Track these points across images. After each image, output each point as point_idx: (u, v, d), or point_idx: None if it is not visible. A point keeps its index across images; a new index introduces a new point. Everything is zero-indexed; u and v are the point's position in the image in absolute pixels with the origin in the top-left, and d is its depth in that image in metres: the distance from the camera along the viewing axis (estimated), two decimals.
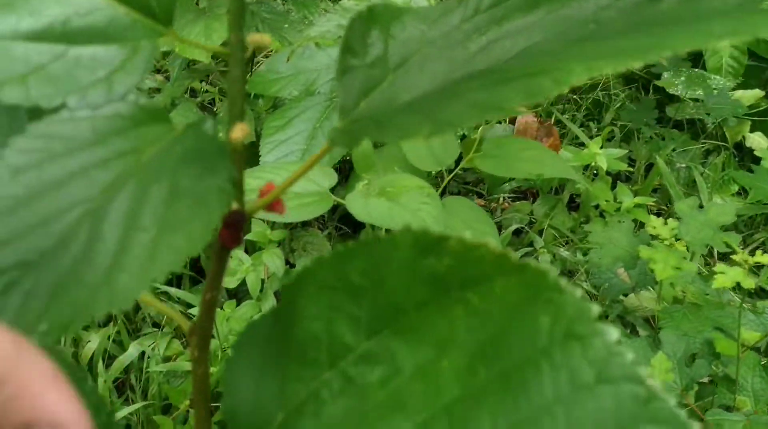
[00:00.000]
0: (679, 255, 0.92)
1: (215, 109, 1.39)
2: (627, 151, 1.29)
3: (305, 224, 1.31)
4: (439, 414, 0.22)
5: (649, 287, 1.08)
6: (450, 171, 0.99)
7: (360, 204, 0.78)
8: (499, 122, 1.27)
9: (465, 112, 0.22)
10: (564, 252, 1.23)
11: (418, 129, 0.22)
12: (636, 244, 0.98)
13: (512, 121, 1.21)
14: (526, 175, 0.82)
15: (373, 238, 0.27)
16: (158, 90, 1.33)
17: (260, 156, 0.96)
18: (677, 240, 0.95)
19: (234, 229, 0.33)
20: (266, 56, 1.41)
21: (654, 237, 0.98)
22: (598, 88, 1.81)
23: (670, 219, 0.99)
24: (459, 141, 0.95)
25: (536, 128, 1.17)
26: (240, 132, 0.32)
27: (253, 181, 0.86)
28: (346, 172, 1.22)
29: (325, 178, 0.87)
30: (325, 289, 0.28)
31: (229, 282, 1.13)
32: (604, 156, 1.26)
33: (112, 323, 1.10)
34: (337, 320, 0.28)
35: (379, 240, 0.26)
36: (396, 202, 0.77)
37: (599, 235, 0.96)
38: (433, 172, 0.94)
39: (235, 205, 0.33)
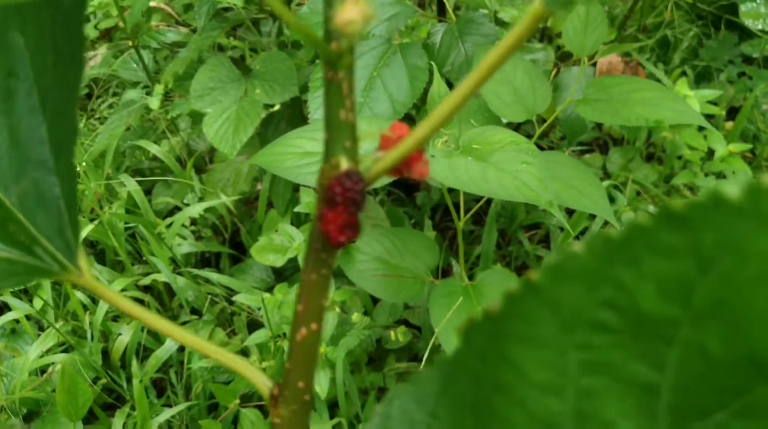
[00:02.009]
0: None
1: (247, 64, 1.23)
2: (721, 92, 1.12)
3: None
4: None
5: None
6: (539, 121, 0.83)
7: (443, 165, 0.63)
8: (576, 64, 1.11)
9: None
10: (654, 209, 1.07)
11: None
12: None
13: (593, 62, 1.04)
14: (640, 123, 0.66)
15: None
16: (182, 44, 1.18)
17: (308, 113, 0.81)
18: None
19: (349, 207, 0.19)
20: (299, 4, 1.24)
21: None
22: (663, 26, 1.63)
23: None
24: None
25: (621, 69, 1.00)
26: (355, 11, 0.18)
27: (307, 142, 0.71)
28: None
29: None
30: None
31: (276, 260, 0.99)
32: (696, 98, 1.09)
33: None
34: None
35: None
36: (488, 161, 0.62)
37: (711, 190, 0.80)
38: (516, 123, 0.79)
39: (344, 163, 0.19)
